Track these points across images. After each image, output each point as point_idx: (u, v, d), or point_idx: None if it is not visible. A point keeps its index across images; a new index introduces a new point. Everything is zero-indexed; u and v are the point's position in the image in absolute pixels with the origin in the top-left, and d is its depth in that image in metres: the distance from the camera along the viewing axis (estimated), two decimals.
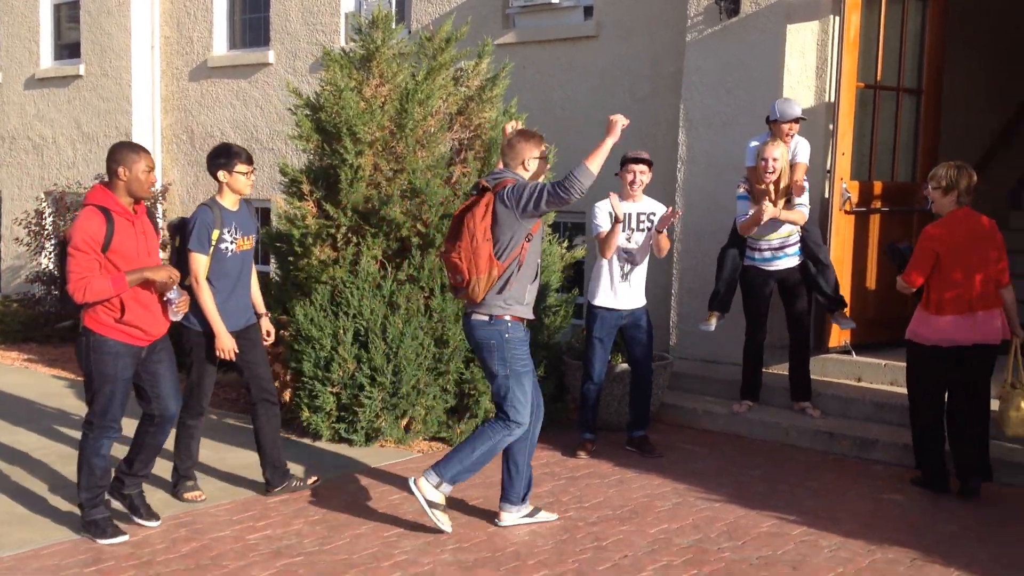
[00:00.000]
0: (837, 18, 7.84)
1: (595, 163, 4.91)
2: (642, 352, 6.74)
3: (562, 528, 5.37)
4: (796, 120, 7.01)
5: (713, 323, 7.27)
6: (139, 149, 4.99)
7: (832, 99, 7.91)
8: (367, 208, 7.02)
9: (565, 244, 8.17)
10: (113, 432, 5.12)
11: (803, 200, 6.81)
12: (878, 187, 7.78)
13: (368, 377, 6.70)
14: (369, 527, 5.36)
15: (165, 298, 5.12)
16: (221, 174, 5.50)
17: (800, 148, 7.04)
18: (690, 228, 8.26)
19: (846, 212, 7.57)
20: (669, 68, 8.85)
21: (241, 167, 5.49)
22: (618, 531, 5.33)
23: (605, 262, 6.57)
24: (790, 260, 6.93)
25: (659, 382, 7.26)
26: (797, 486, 6.10)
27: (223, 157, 5.51)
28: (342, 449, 6.78)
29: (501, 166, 5.29)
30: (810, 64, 7.96)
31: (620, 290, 6.60)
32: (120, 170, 4.96)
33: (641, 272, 6.63)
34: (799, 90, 7.91)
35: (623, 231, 6.51)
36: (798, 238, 6.92)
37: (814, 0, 7.91)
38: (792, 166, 6.93)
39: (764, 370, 7.38)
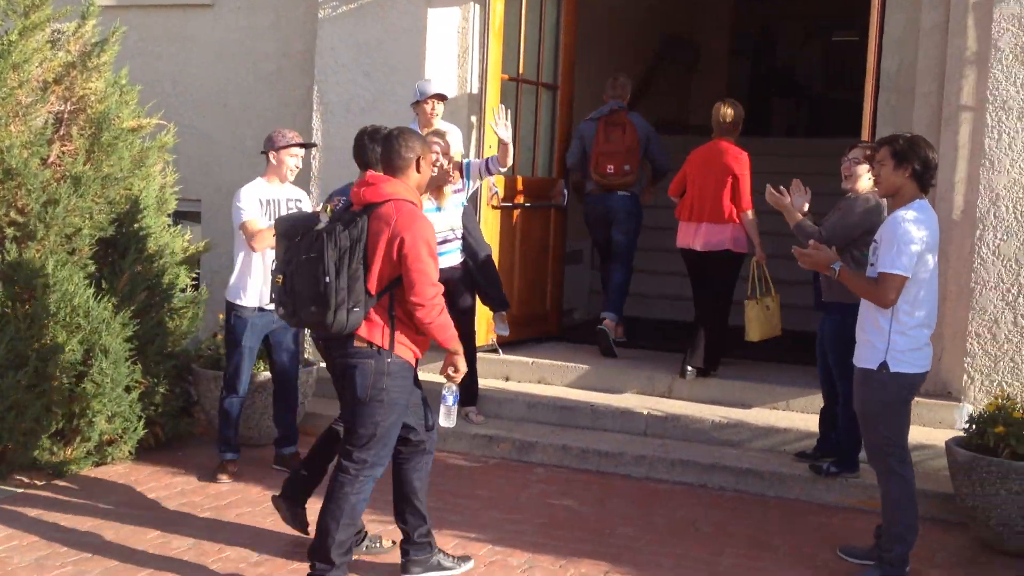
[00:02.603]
0: (478, 6, 7.61)
1: None
2: (290, 358, 6.06)
3: None
4: (439, 98, 6.65)
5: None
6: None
7: (474, 90, 7.67)
8: None
9: (188, 235, 7.24)
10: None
11: (465, 188, 6.53)
12: (521, 182, 7.63)
13: None
14: None
15: None
16: None
17: (453, 137, 6.69)
18: None
19: (493, 207, 7.35)
20: (298, 46, 8.17)
21: None
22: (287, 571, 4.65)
23: (256, 256, 5.81)
24: (451, 258, 6.56)
25: (303, 389, 6.58)
26: (469, 497, 5.73)
27: None
28: None
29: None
30: (452, 52, 7.65)
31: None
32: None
33: None
34: (441, 78, 7.56)
35: (269, 220, 5.81)
36: (460, 234, 6.57)
37: None
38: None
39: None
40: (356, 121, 7.61)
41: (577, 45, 8.14)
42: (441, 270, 6.35)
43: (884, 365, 4.60)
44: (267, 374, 6.31)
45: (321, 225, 4.24)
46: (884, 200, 5.52)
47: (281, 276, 4.32)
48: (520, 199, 7.62)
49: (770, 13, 14.84)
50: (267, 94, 8.28)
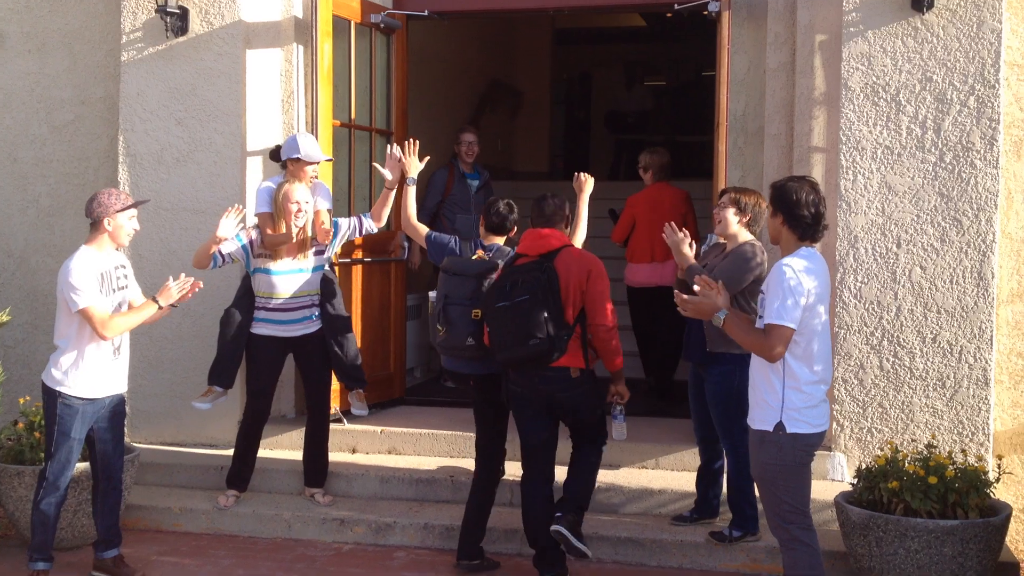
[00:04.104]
0: (301, 47, 7.04)
1: None
2: (114, 447, 5.29)
3: None
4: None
5: (210, 400, 6.00)
6: None
7: None
8: None
9: None
10: None
11: (328, 249, 6.05)
12: (359, 237, 7.04)
13: None
14: None
15: None
16: None
17: (321, 193, 6.10)
18: (152, 290, 6.71)
19: (331, 264, 6.72)
20: (98, 92, 7.34)
21: None
22: None
23: (96, 342, 5.06)
24: (307, 325, 5.93)
25: (125, 480, 5.76)
26: None
27: None
28: None
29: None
30: (275, 96, 7.03)
31: (113, 369, 5.12)
32: None
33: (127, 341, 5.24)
34: (265, 125, 6.94)
35: (106, 296, 5.06)
36: (318, 300, 5.94)
37: (275, 24, 7.01)
38: (315, 212, 5.99)
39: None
40: (169, 173, 6.91)
41: (409, 90, 7.66)
42: (296, 337, 5.77)
43: (780, 425, 4.29)
44: (81, 466, 5.46)
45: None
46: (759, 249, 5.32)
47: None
48: (359, 254, 7.04)
49: (588, 60, 14.87)
50: (64, 146, 7.41)
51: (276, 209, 5.82)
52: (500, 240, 5.55)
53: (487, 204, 5.64)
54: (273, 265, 5.84)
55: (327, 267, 6.07)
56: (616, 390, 5.25)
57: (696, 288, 4.46)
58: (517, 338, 4.90)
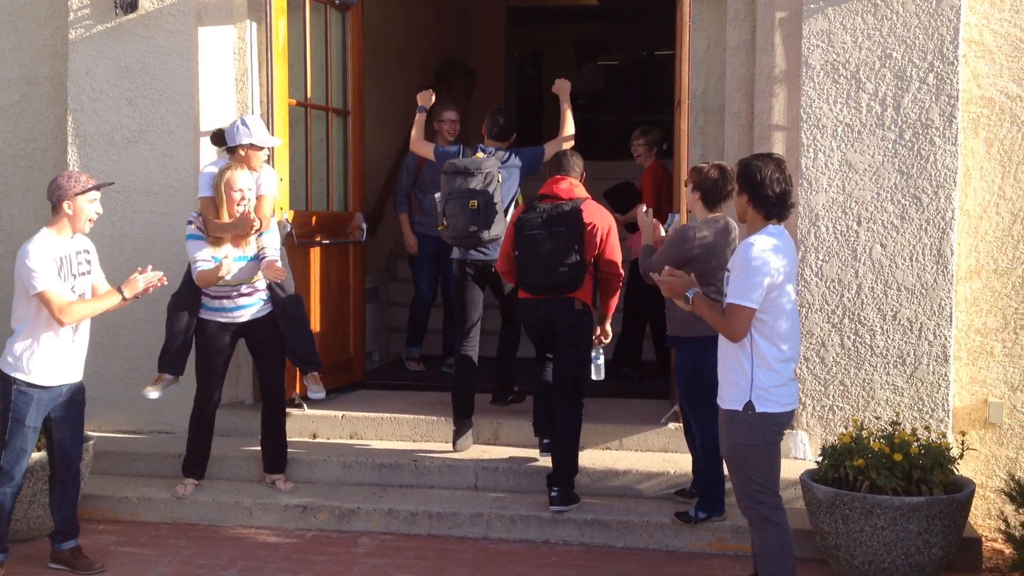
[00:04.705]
0: (255, 24, 6.89)
1: None
2: (72, 436, 5.16)
3: None
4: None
5: (160, 388, 5.86)
6: None
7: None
8: None
9: None
10: None
11: (273, 239, 5.86)
12: (316, 218, 6.94)
13: None
14: None
15: None
16: None
17: (265, 178, 5.96)
18: (111, 271, 6.53)
19: (288, 247, 6.61)
20: (45, 71, 7.14)
21: None
22: None
23: (55, 328, 4.93)
24: (257, 309, 5.81)
25: (82, 469, 5.63)
26: None
27: None
28: None
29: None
30: (229, 75, 6.88)
31: (69, 357, 4.98)
32: None
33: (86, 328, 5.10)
34: (218, 104, 6.79)
35: (65, 280, 4.92)
36: (265, 284, 5.82)
37: (227, 1, 6.85)
38: (257, 198, 5.84)
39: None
40: (120, 154, 6.75)
41: (364, 69, 7.54)
42: (245, 322, 5.66)
43: (749, 405, 4.28)
44: (36, 455, 5.32)
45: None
46: (709, 226, 5.28)
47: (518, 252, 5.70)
48: (316, 236, 6.92)
49: (541, 39, 14.77)
50: (9, 127, 7.19)
51: (217, 195, 5.67)
52: (502, 145, 6.41)
53: (489, 114, 6.54)
54: (215, 252, 5.70)
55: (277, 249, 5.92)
56: (603, 330, 5.86)
57: (662, 277, 4.49)
58: (547, 265, 5.56)
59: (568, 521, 5.56)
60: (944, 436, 5.38)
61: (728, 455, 4.41)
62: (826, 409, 6.00)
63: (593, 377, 5.88)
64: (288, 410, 6.34)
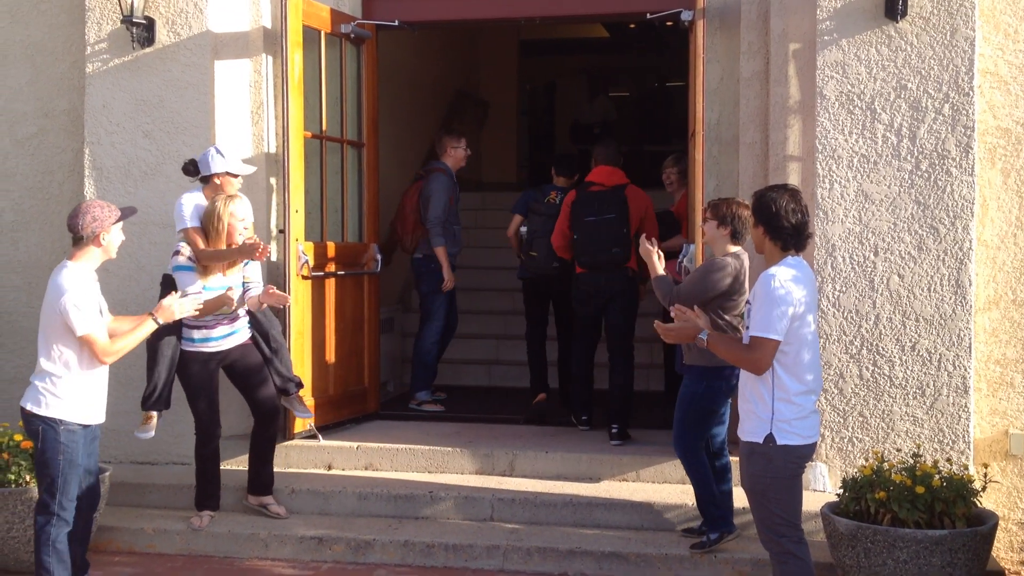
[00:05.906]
0: (271, 57, 6.95)
1: None
2: (96, 476, 5.15)
3: None
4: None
5: (152, 426, 5.85)
6: None
7: (271, 149, 6.97)
8: None
9: None
10: None
11: (255, 268, 5.90)
12: (332, 249, 6.96)
13: None
14: None
15: None
16: None
17: (244, 205, 5.98)
18: (119, 304, 6.54)
19: (303, 277, 6.63)
20: (62, 105, 7.19)
21: None
22: None
23: (99, 367, 4.88)
24: (238, 337, 5.81)
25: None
26: None
27: None
28: None
29: None
30: (245, 108, 6.93)
31: (103, 393, 4.96)
32: None
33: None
34: (234, 137, 6.83)
35: (102, 316, 4.92)
36: (246, 310, 5.83)
37: (244, 35, 6.91)
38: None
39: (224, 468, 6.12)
40: (136, 186, 6.77)
41: (379, 101, 7.58)
42: (230, 349, 5.65)
43: (770, 437, 4.25)
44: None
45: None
46: (734, 259, 5.31)
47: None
48: (331, 267, 6.94)
49: (553, 70, 14.86)
50: (26, 160, 7.23)
51: (213, 226, 5.67)
52: (566, 182, 7.49)
53: (559, 156, 8.30)
54: (204, 281, 5.69)
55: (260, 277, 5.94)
56: (644, 288, 6.92)
57: (673, 315, 4.47)
58: (602, 246, 6.67)
59: (586, 553, 5.52)
60: (966, 468, 5.33)
61: (749, 488, 4.37)
62: (845, 441, 5.96)
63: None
64: (303, 441, 6.31)
